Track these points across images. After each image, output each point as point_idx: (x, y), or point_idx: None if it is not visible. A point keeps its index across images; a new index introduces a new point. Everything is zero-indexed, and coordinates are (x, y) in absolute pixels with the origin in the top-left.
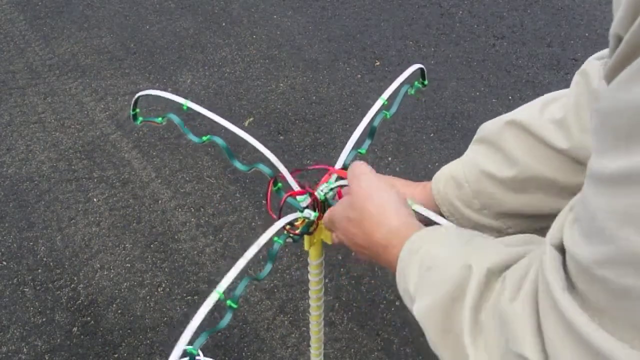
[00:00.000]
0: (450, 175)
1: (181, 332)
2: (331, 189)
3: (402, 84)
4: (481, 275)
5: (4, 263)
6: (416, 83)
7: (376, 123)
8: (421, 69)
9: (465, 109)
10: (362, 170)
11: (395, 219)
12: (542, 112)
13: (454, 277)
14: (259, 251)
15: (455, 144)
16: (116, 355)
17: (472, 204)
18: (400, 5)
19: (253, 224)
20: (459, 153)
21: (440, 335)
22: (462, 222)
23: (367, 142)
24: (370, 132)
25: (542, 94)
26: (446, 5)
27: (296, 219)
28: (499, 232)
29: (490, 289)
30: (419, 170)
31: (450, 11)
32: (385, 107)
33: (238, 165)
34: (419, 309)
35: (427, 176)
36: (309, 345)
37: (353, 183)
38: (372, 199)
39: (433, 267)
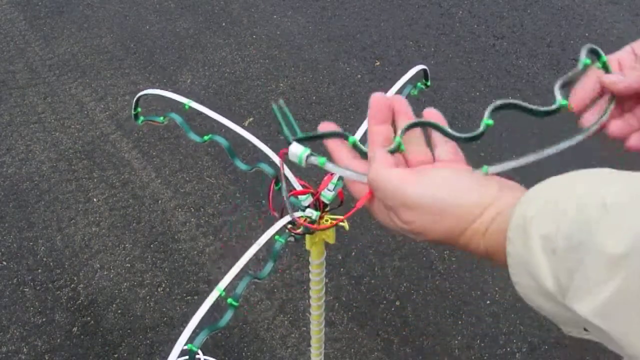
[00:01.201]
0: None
1: (181, 332)
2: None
3: (404, 85)
4: None
5: (4, 263)
6: (419, 84)
7: None
8: (424, 70)
9: (465, 109)
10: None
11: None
12: None
13: (630, 237)
14: (260, 250)
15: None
16: (116, 355)
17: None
18: (400, 5)
19: (253, 224)
20: None
21: None
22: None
23: None
24: None
25: (542, 94)
26: (446, 5)
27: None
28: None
29: None
30: None
31: (450, 11)
32: None
33: (239, 164)
34: (595, 309)
35: None
36: (309, 345)
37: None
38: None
39: (572, 243)
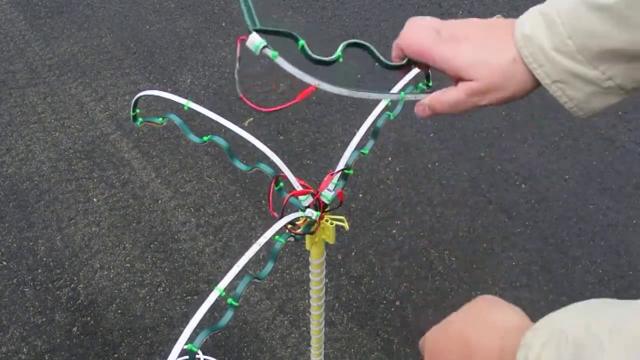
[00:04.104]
0: (539, 12)
1: (181, 332)
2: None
3: (406, 85)
4: None
5: (4, 263)
6: (420, 85)
7: (380, 124)
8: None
9: None
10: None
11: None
12: None
13: None
14: (260, 250)
15: (455, 143)
16: (116, 355)
17: (565, 45)
18: (400, 5)
19: (253, 224)
20: (459, 153)
21: None
22: (550, 71)
23: (370, 143)
24: (373, 132)
25: (542, 94)
26: (446, 5)
27: (298, 219)
28: (595, 85)
29: None
30: (419, 170)
31: (450, 11)
32: (388, 108)
33: (239, 165)
34: None
35: (427, 176)
36: (309, 345)
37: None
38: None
39: None
